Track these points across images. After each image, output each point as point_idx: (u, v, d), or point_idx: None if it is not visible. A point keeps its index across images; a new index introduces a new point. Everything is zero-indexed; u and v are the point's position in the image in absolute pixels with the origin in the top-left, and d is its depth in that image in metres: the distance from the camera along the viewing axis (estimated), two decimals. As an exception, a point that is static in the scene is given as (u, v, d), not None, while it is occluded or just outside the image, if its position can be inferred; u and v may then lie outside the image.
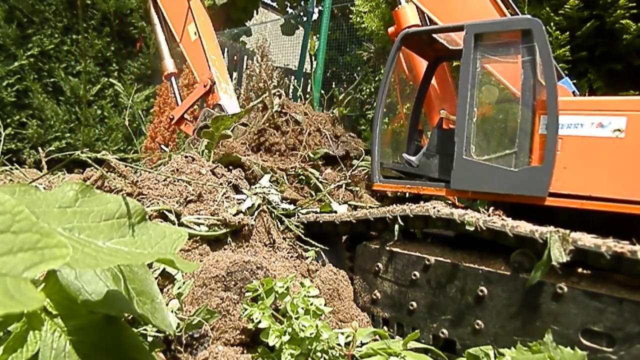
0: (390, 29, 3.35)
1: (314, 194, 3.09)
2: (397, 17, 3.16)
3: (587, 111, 2.15)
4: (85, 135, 6.35)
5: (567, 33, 3.76)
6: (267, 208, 2.65)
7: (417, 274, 2.26)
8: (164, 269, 1.98)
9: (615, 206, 2.01)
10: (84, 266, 0.62)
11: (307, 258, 2.62)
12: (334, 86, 8.43)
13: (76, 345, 0.76)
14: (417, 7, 3.12)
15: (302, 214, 2.83)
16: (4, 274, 0.48)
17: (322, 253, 2.73)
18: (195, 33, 4.13)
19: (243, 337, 1.82)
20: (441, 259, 2.21)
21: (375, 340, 1.99)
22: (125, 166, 2.64)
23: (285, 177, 3.12)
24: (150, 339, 1.54)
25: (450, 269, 2.16)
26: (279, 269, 2.22)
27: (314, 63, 7.26)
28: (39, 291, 0.78)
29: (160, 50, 4.62)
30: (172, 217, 2.22)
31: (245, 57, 8.06)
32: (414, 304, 2.25)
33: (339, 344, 1.74)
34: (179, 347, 1.71)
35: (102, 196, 0.79)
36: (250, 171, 2.95)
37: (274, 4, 11.64)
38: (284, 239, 2.66)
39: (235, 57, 8.04)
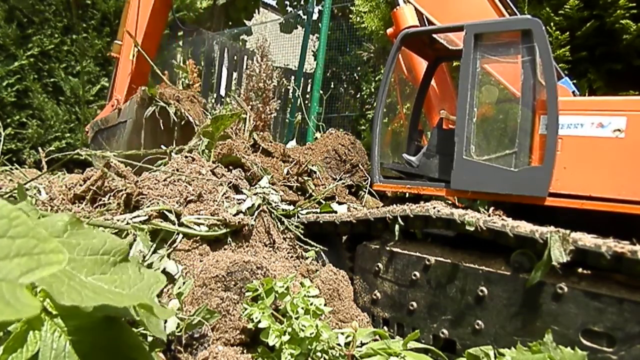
0: (389, 30, 3.35)
1: (313, 193, 3.09)
2: (396, 18, 3.16)
3: (587, 111, 2.15)
4: (85, 135, 6.34)
5: (567, 33, 3.76)
6: (267, 208, 2.65)
7: (417, 274, 2.26)
8: (164, 268, 1.98)
9: (615, 206, 2.01)
10: (69, 300, 0.62)
11: (307, 258, 2.62)
12: (333, 86, 8.43)
13: (76, 345, 0.76)
14: (415, 8, 3.12)
15: (303, 214, 2.83)
16: (0, 280, 0.48)
17: (322, 253, 2.73)
18: (133, 55, 4.28)
19: (243, 337, 1.82)
20: (441, 259, 2.21)
21: (375, 340, 1.99)
22: (126, 166, 2.64)
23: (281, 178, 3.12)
24: (150, 339, 1.54)
25: (451, 269, 2.16)
26: (279, 269, 2.22)
27: (314, 63, 7.25)
28: (39, 294, 0.78)
29: (121, 30, 4.55)
30: (172, 217, 2.22)
31: (245, 57, 8.06)
32: (414, 304, 2.25)
33: (339, 344, 1.74)
34: (179, 347, 1.71)
35: (89, 231, 0.80)
36: (250, 171, 2.95)
37: (274, 4, 11.63)
38: (284, 239, 2.66)
39: (235, 57, 8.04)
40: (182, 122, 3.95)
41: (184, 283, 1.89)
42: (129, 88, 4.36)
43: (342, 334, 1.79)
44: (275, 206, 2.74)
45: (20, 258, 0.51)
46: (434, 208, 2.24)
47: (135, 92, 4.31)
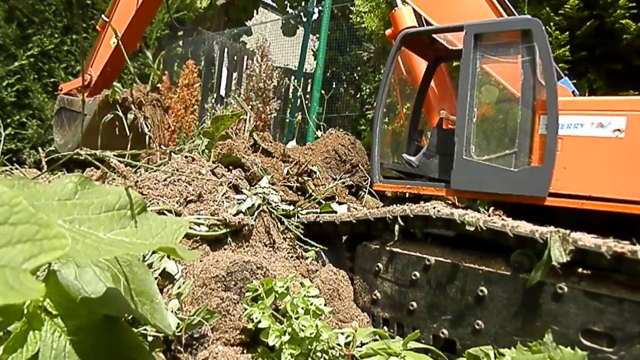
0: (388, 31, 3.34)
1: (313, 193, 3.09)
2: (394, 19, 3.15)
3: (587, 111, 2.15)
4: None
5: (567, 33, 3.76)
6: (267, 208, 2.65)
7: (417, 274, 2.26)
8: (164, 269, 1.98)
9: (615, 206, 2.01)
10: (86, 257, 0.61)
11: (307, 258, 2.62)
12: (334, 86, 8.44)
13: (76, 345, 0.76)
14: (414, 9, 3.11)
15: (303, 214, 2.83)
16: (3, 266, 0.48)
17: (322, 253, 2.73)
18: (113, 43, 4.36)
19: (243, 337, 1.82)
20: (441, 259, 2.21)
21: (375, 340, 1.99)
22: (126, 166, 2.64)
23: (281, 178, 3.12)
24: (150, 339, 1.54)
25: (451, 269, 2.16)
26: (279, 269, 2.22)
27: (314, 63, 7.26)
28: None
29: (110, 6, 4.58)
30: (172, 217, 2.22)
31: (245, 57, 8.05)
32: (414, 304, 2.25)
33: (339, 344, 1.74)
34: (179, 347, 1.71)
35: (101, 188, 0.78)
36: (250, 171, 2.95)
37: (274, 4, 11.64)
38: (284, 239, 2.66)
39: (235, 57, 8.04)
40: (139, 131, 4.24)
41: (184, 283, 1.89)
42: (103, 70, 4.51)
43: (342, 334, 1.79)
44: (275, 206, 2.74)
45: (23, 244, 0.50)
46: (434, 208, 2.24)
47: (108, 75, 4.60)
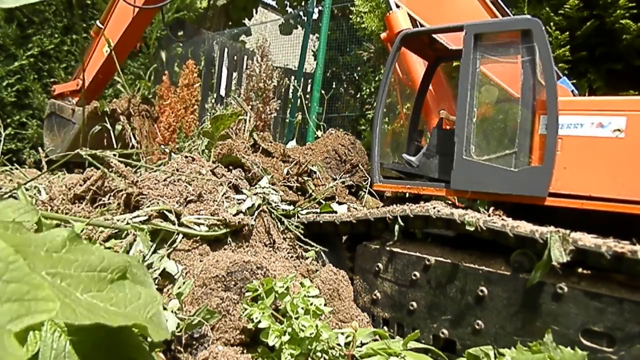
0: (383, 35, 3.33)
1: (313, 193, 3.09)
2: (389, 22, 3.13)
3: (587, 111, 2.16)
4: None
5: (567, 33, 3.77)
6: (267, 208, 2.65)
7: (417, 274, 2.26)
8: (164, 269, 1.98)
9: (615, 206, 2.01)
10: (63, 318, 0.61)
11: (307, 258, 2.62)
12: (334, 86, 8.43)
13: (76, 345, 0.76)
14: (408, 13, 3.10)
15: (303, 214, 2.83)
16: None
17: (322, 253, 2.73)
18: (106, 51, 4.44)
19: (243, 337, 1.82)
20: (441, 259, 2.21)
21: (375, 340, 1.99)
22: (126, 166, 2.64)
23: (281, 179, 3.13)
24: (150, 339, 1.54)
25: (451, 269, 2.16)
26: (279, 269, 2.22)
27: (314, 63, 7.26)
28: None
29: (104, 14, 4.62)
30: (172, 217, 2.22)
31: (245, 57, 8.05)
32: (414, 304, 2.25)
33: (339, 344, 1.74)
34: (179, 347, 1.71)
35: (88, 247, 0.80)
36: (250, 172, 2.95)
37: (274, 4, 11.64)
38: (284, 239, 2.66)
39: (235, 57, 8.04)
40: (127, 142, 4.41)
41: (184, 283, 1.89)
42: (95, 77, 4.59)
43: (342, 334, 1.79)
44: (275, 206, 2.74)
45: (12, 303, 0.50)
46: (434, 208, 2.24)
47: (100, 82, 4.73)
